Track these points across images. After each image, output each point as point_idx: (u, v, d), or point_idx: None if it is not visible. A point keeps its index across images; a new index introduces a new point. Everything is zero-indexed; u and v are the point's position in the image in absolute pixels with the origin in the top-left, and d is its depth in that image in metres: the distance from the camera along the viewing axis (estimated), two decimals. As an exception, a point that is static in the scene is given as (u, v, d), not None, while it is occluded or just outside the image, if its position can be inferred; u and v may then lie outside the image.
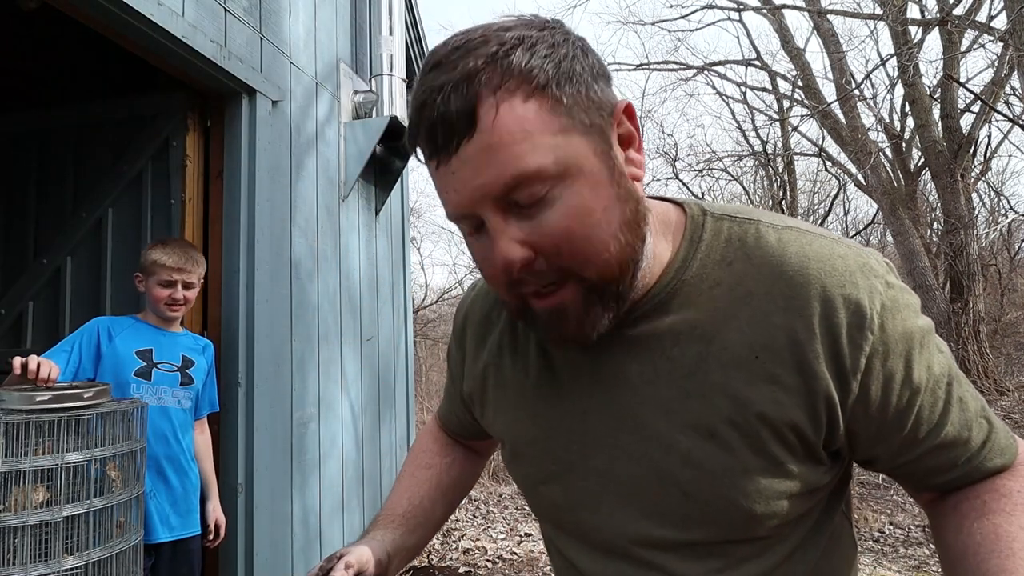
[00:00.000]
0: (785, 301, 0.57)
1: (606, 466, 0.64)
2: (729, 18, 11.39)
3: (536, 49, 0.51)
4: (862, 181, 9.51)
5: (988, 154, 9.48)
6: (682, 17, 15.52)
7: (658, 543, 0.63)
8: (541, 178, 0.51)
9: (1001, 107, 7.61)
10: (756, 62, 11.68)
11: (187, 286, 2.05)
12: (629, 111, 0.58)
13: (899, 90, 9.19)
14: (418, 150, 0.56)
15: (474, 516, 5.09)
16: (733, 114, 16.06)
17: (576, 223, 0.52)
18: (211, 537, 2.18)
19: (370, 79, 3.56)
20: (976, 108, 7.98)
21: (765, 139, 12.55)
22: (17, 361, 1.69)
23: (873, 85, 10.90)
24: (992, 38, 7.54)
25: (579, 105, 0.52)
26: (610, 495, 0.64)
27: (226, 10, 2.43)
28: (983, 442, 0.61)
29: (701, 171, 11.89)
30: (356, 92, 3.47)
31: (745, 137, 13.16)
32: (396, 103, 3.47)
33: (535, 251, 0.53)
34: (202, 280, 2.13)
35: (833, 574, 0.69)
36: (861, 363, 0.56)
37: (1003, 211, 11.96)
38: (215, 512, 2.20)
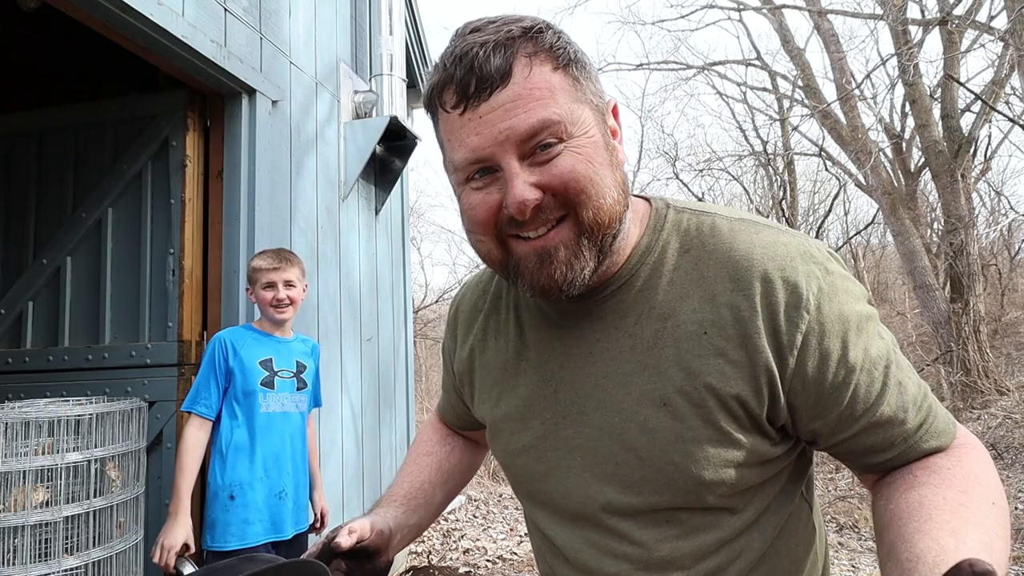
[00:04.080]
0: (732, 283, 0.64)
1: (574, 435, 0.69)
2: (729, 18, 11.39)
3: (561, 35, 0.62)
4: (862, 181, 9.50)
5: (988, 154, 9.48)
6: (682, 17, 15.52)
7: (619, 509, 0.68)
8: (559, 127, 0.59)
9: (1001, 107, 7.61)
10: (756, 62, 11.68)
11: (288, 285, 2.10)
12: (615, 109, 0.67)
13: (899, 90, 9.20)
14: (439, 102, 0.62)
15: (474, 516, 5.09)
16: (733, 114, 16.07)
17: (582, 166, 0.60)
18: (318, 526, 2.27)
19: (370, 79, 3.56)
20: (976, 108, 7.97)
21: (765, 139, 12.55)
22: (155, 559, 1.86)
23: (873, 85, 10.91)
24: (992, 38, 7.54)
25: (589, 87, 0.63)
26: (578, 463, 0.70)
27: (226, 10, 2.43)
28: (920, 424, 0.64)
29: (701, 171, 11.89)
30: (356, 92, 3.47)
31: (745, 137, 13.17)
32: (396, 103, 3.47)
33: (544, 191, 0.60)
34: (304, 281, 2.18)
35: (791, 555, 0.71)
36: (797, 340, 0.62)
37: (1003, 211, 11.96)
38: (320, 501, 2.29)
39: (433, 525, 4.73)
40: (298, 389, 2.15)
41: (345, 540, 0.71)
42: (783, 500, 0.70)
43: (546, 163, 0.60)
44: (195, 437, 1.96)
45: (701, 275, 0.65)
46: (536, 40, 0.60)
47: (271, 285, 2.07)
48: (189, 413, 1.99)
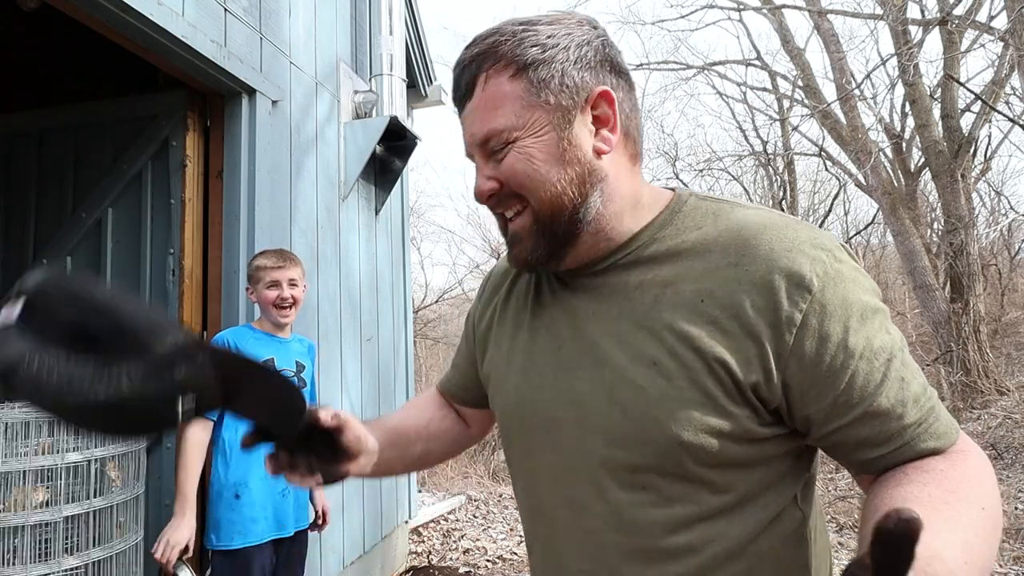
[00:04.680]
0: (737, 258, 0.66)
1: (568, 389, 0.73)
2: (729, 18, 11.38)
3: (525, 41, 0.69)
4: (862, 181, 9.50)
5: (988, 154, 9.47)
6: (682, 17, 15.49)
7: (601, 463, 0.70)
8: (504, 133, 0.69)
9: (1001, 107, 7.61)
10: (756, 62, 11.68)
11: (292, 284, 2.10)
12: (606, 96, 0.70)
13: (899, 90, 9.19)
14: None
15: (474, 516, 5.09)
16: (733, 114, 16.07)
17: (522, 165, 0.69)
18: (319, 522, 2.31)
19: (370, 79, 3.56)
20: (976, 108, 7.97)
21: (765, 139, 12.55)
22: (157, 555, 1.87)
23: (873, 85, 10.90)
24: (992, 38, 7.54)
25: (549, 88, 0.68)
26: (570, 416, 0.73)
27: (226, 10, 2.43)
28: (918, 422, 0.62)
29: (701, 171, 11.88)
30: (356, 92, 3.47)
31: (745, 137, 13.16)
32: (396, 103, 3.47)
33: (499, 183, 0.71)
34: (304, 281, 2.18)
35: (777, 559, 0.69)
36: (797, 318, 0.63)
37: (1003, 211, 11.95)
38: (321, 499, 2.32)
39: (433, 525, 4.73)
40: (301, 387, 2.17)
41: (325, 417, 0.73)
42: (772, 496, 0.68)
43: (499, 161, 0.71)
44: (197, 437, 1.95)
45: (708, 250, 0.68)
46: (496, 52, 0.69)
47: (275, 284, 2.07)
48: None
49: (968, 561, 0.51)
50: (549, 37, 0.69)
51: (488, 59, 0.69)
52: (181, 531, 1.88)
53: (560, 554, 0.76)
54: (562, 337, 0.75)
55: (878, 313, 0.64)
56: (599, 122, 0.71)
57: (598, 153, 0.71)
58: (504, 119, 0.69)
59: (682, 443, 0.65)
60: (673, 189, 0.78)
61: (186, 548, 1.89)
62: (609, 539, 0.71)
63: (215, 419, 2.00)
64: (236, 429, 2.02)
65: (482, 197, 0.73)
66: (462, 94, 0.72)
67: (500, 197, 0.72)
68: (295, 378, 2.16)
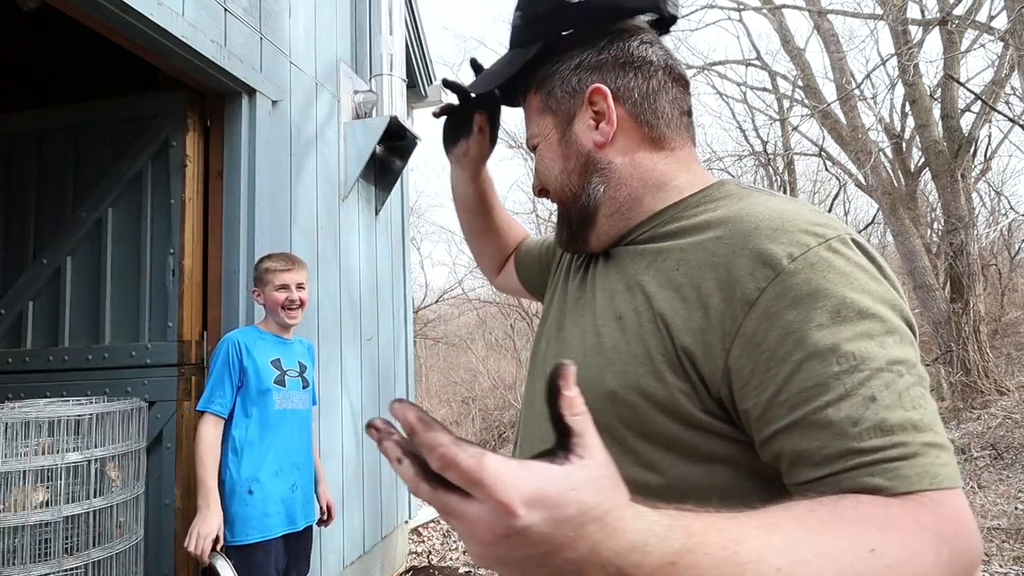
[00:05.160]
0: (723, 232, 0.64)
1: (562, 335, 0.79)
2: (729, 18, 11.38)
3: (542, 66, 0.79)
4: (862, 181, 9.50)
5: (988, 154, 9.47)
6: (682, 17, 15.48)
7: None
8: (530, 141, 0.82)
9: (1001, 107, 7.60)
10: (756, 62, 11.68)
11: (300, 287, 2.17)
12: (599, 92, 0.74)
13: (899, 90, 9.19)
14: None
15: (474, 516, 5.08)
16: (733, 114, 16.09)
17: (540, 165, 0.81)
18: (324, 518, 2.35)
19: (370, 79, 3.55)
20: (976, 108, 7.97)
21: (765, 139, 12.55)
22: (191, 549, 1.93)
23: (873, 85, 10.90)
24: (992, 38, 7.53)
25: (553, 96, 0.78)
26: (552, 354, 0.80)
27: (226, 10, 2.43)
28: (876, 449, 0.50)
29: (701, 171, 11.87)
30: (356, 92, 3.47)
31: (745, 137, 13.17)
32: (396, 103, 3.47)
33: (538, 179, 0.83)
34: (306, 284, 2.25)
35: None
36: (752, 297, 0.57)
37: (1003, 211, 11.95)
38: (325, 494, 2.36)
39: (433, 525, 4.73)
40: (303, 388, 2.22)
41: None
42: (721, 494, 0.61)
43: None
44: (212, 434, 2.01)
45: (709, 226, 0.66)
46: (526, 76, 0.81)
47: (284, 287, 2.13)
48: (204, 412, 2.03)
49: (784, 566, 0.42)
50: (555, 61, 0.78)
51: (523, 81, 0.83)
52: (210, 522, 1.93)
53: None
54: (573, 299, 0.82)
55: (868, 319, 0.54)
56: (599, 116, 0.74)
57: (598, 145, 0.75)
58: (530, 129, 0.82)
59: (607, 391, 0.65)
60: (720, 180, 0.78)
61: (217, 538, 1.94)
62: None
63: (226, 417, 2.05)
64: (246, 427, 2.06)
65: (535, 191, 0.85)
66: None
67: (540, 192, 0.84)
68: (299, 378, 2.20)
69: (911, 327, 0.58)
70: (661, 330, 0.63)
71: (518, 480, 0.36)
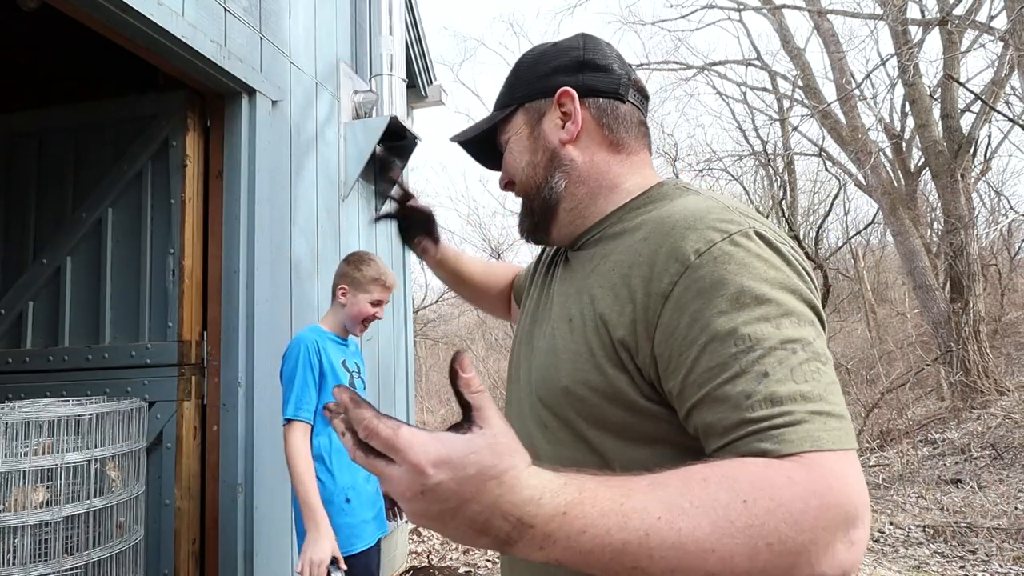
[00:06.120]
0: (648, 233, 0.71)
1: (530, 339, 0.86)
2: (729, 18, 11.39)
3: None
4: (862, 181, 9.50)
5: (988, 154, 9.47)
6: (682, 17, 15.50)
7: (533, 401, 0.79)
8: (504, 136, 0.88)
9: (1001, 107, 7.60)
10: (756, 62, 11.68)
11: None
12: (568, 95, 0.81)
13: (899, 90, 9.19)
14: None
15: (474, 516, 5.08)
16: (733, 114, 16.09)
17: (508, 157, 0.87)
18: (395, 511, 2.26)
19: (370, 79, 3.55)
20: (976, 108, 7.97)
21: (765, 139, 12.55)
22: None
23: (873, 85, 10.90)
24: (992, 38, 7.54)
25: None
26: (527, 361, 0.84)
27: (226, 10, 2.43)
28: (763, 419, 0.56)
29: (701, 171, 11.87)
30: (356, 92, 3.47)
31: (745, 137, 13.17)
32: (396, 103, 3.47)
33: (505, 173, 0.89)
34: None
35: None
36: (666, 290, 0.64)
37: (1003, 211, 11.95)
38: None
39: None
40: (363, 389, 2.18)
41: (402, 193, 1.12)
42: None
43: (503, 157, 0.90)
44: (304, 445, 1.88)
45: (641, 227, 0.74)
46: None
47: (379, 304, 2.10)
48: (292, 420, 1.88)
49: (662, 517, 0.48)
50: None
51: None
52: (320, 545, 1.78)
53: None
54: (541, 303, 0.88)
55: (764, 304, 0.60)
56: (566, 116, 0.82)
57: (563, 143, 0.82)
58: (505, 132, 0.88)
59: (563, 388, 0.72)
60: (663, 180, 0.86)
61: (335, 559, 1.80)
62: None
63: (312, 423, 1.93)
64: (329, 434, 1.96)
65: (500, 186, 0.91)
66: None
67: (506, 186, 0.90)
68: (360, 379, 2.15)
69: (814, 308, 0.64)
70: (600, 329, 0.70)
71: (426, 446, 0.44)
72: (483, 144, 0.91)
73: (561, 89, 0.81)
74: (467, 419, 0.47)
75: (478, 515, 0.46)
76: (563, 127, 0.82)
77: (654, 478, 0.52)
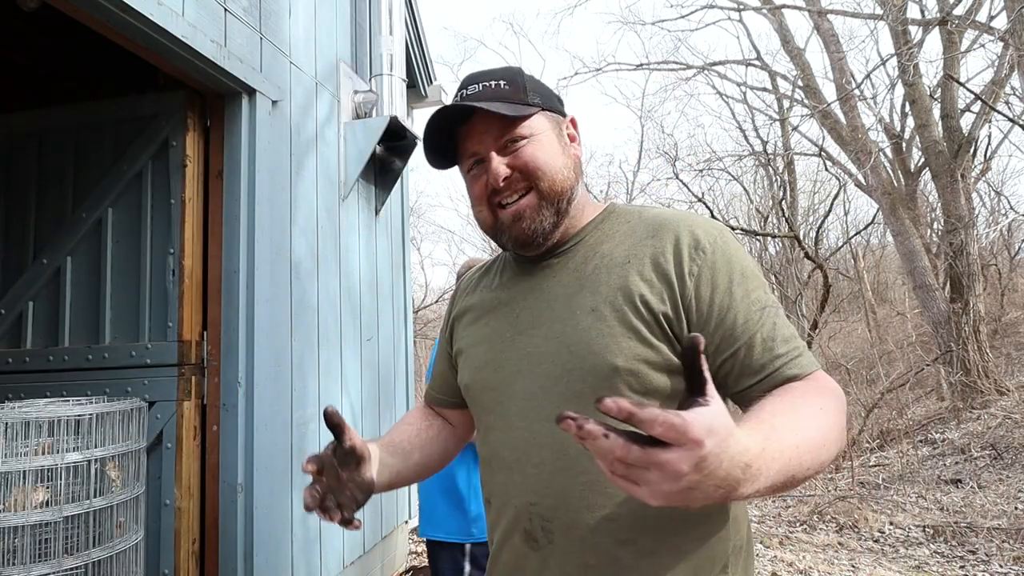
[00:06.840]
0: (654, 232, 0.90)
1: (526, 343, 0.91)
2: (729, 18, 11.39)
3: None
4: (862, 181, 9.50)
5: (988, 154, 9.47)
6: (682, 17, 15.51)
7: (555, 397, 0.86)
8: (522, 132, 0.92)
9: (1001, 107, 7.60)
10: (756, 62, 11.68)
11: None
12: (573, 123, 1.00)
13: (899, 90, 9.19)
14: None
15: (474, 516, 5.08)
16: (733, 114, 16.09)
17: (539, 152, 0.91)
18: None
19: (370, 79, 3.55)
20: (976, 108, 7.96)
21: (765, 139, 12.56)
22: None
23: (873, 85, 10.91)
24: (992, 38, 7.53)
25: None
26: (525, 366, 0.90)
27: (226, 10, 2.43)
28: (786, 354, 0.82)
29: (701, 171, 11.87)
30: (356, 92, 3.47)
31: (745, 137, 13.18)
32: (396, 103, 3.47)
33: (512, 169, 0.91)
34: None
35: (688, 522, 0.83)
36: (695, 270, 0.85)
37: (1003, 211, 11.95)
38: None
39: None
40: None
41: (347, 439, 0.85)
42: None
43: (516, 152, 0.92)
44: None
45: (633, 231, 0.92)
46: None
47: None
48: None
49: (798, 434, 0.68)
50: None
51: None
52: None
53: (512, 493, 0.89)
54: (519, 307, 0.95)
55: (755, 278, 0.86)
56: (572, 139, 0.98)
57: (577, 158, 0.98)
58: (518, 130, 0.91)
59: (615, 368, 0.83)
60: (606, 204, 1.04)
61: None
62: (557, 472, 0.85)
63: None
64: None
65: (499, 180, 0.91)
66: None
67: (511, 181, 0.91)
68: None
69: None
70: (641, 309, 0.84)
71: (696, 421, 0.53)
72: (449, 132, 0.95)
73: (572, 117, 0.99)
74: (700, 393, 0.57)
75: (723, 469, 0.55)
76: (573, 145, 0.98)
77: (773, 412, 0.72)
